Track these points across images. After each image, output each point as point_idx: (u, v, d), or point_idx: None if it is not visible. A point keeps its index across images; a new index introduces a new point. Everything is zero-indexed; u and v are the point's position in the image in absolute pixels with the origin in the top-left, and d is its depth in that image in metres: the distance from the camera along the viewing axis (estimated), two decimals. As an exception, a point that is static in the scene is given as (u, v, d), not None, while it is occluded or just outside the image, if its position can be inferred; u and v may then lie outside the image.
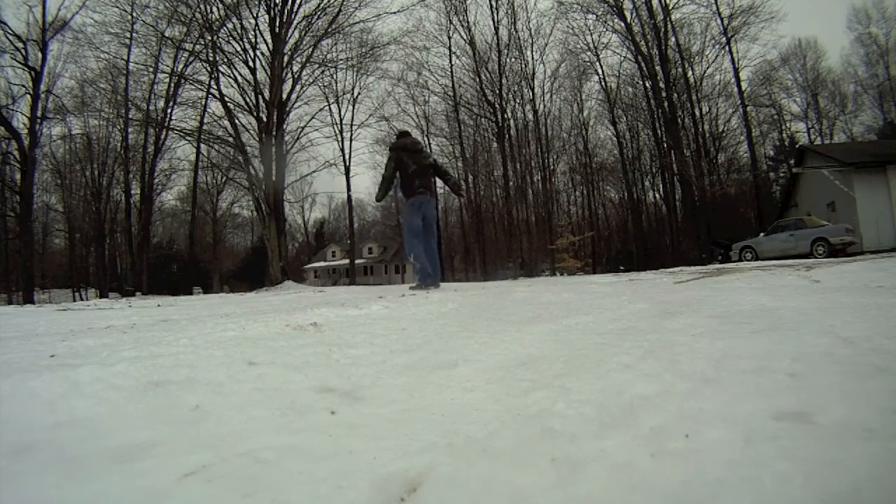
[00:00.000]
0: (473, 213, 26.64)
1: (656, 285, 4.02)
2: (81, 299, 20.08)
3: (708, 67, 23.56)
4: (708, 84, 23.92)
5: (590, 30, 24.47)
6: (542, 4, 47.79)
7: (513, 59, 24.57)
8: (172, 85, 21.61)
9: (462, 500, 0.65)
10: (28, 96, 19.55)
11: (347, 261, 30.76)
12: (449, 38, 24.42)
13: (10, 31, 18.21)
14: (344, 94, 23.02)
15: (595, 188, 29.21)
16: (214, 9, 16.98)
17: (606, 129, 27.14)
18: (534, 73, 24.93)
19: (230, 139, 17.65)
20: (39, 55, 19.39)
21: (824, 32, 57.67)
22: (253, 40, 17.61)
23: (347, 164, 23.80)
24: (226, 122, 17.70)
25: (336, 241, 43.86)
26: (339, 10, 17.92)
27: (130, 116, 21.40)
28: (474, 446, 0.80)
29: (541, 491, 0.65)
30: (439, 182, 5.56)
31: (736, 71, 22.96)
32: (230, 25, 17.29)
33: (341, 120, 23.58)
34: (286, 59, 17.36)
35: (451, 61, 24.50)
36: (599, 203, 30.46)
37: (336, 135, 23.41)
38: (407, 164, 4.96)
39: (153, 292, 19.01)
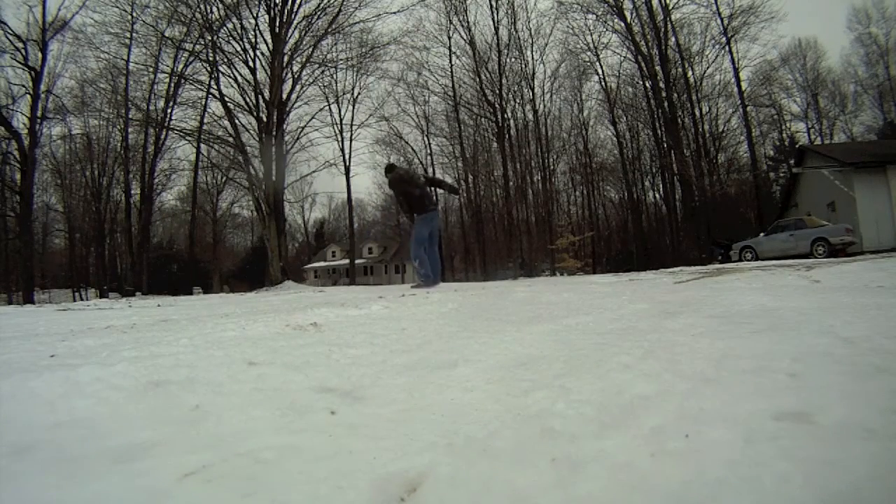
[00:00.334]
0: (473, 213, 26.61)
1: (656, 285, 4.01)
2: (81, 299, 20.06)
3: (708, 67, 23.54)
4: (708, 84, 23.89)
5: (590, 30, 24.46)
6: (542, 4, 47.77)
7: (513, 59, 24.56)
8: (172, 85, 21.61)
9: (462, 500, 0.65)
10: (28, 96, 19.55)
11: (347, 261, 30.74)
12: (449, 38, 24.43)
13: (10, 31, 18.22)
14: (344, 94, 22.97)
15: (595, 188, 29.17)
16: (214, 9, 16.96)
17: (606, 129, 27.12)
18: (534, 73, 24.92)
19: (230, 139, 17.62)
20: (39, 55, 19.37)
21: (824, 32, 57.61)
22: (253, 40, 17.60)
23: (347, 164, 23.78)
24: (226, 122, 17.68)
25: (336, 241, 43.79)
26: (339, 10, 17.91)
27: (130, 116, 21.38)
28: (474, 446, 0.80)
29: (541, 491, 0.65)
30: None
31: (736, 71, 22.95)
32: (230, 25, 17.27)
33: (341, 120, 23.55)
34: (286, 59, 17.34)
35: (451, 61, 24.50)
36: (599, 203, 30.42)
37: (336, 135, 23.37)
38: (411, 191, 5.60)
39: (153, 292, 18.97)
